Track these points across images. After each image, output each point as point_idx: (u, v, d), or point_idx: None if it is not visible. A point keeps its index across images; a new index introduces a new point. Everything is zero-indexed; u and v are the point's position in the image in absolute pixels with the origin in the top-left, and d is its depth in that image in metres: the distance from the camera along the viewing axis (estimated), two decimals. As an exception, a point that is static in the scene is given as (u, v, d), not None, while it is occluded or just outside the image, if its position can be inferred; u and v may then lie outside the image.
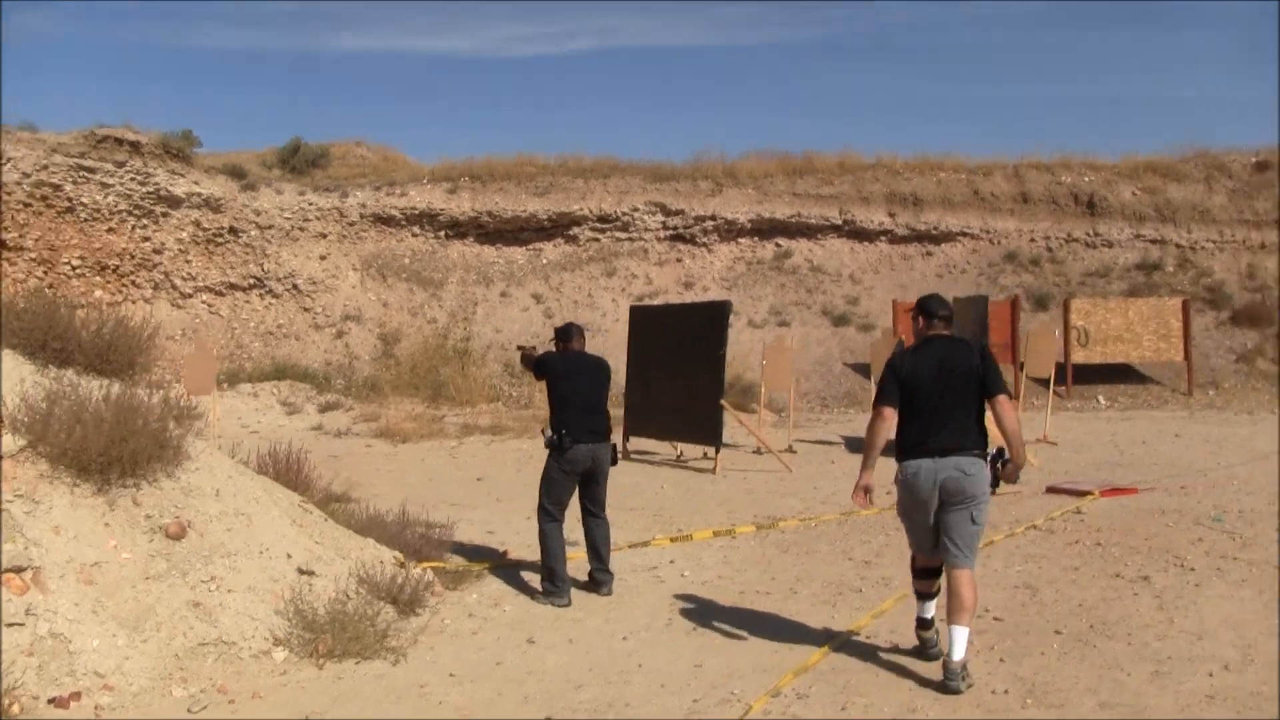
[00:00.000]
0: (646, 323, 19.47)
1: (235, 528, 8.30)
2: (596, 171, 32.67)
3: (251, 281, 30.48)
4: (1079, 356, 26.85)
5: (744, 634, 8.21)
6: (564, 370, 9.73)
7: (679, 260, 31.50)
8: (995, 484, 7.27)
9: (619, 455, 10.11)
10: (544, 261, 31.57)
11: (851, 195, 32.01)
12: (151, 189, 29.54)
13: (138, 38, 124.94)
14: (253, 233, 30.53)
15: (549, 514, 9.57)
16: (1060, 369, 26.66)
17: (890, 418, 7.29)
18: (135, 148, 29.45)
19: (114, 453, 7.82)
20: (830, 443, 20.34)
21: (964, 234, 31.68)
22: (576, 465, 9.52)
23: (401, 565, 9.26)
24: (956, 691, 6.80)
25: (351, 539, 9.40)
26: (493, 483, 16.26)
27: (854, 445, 19.62)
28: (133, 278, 29.82)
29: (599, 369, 9.95)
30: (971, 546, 7.15)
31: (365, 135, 41.45)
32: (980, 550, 9.42)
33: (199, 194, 30.02)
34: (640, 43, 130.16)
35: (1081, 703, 6.54)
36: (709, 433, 17.24)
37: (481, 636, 8.30)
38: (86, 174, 28.79)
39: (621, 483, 16.07)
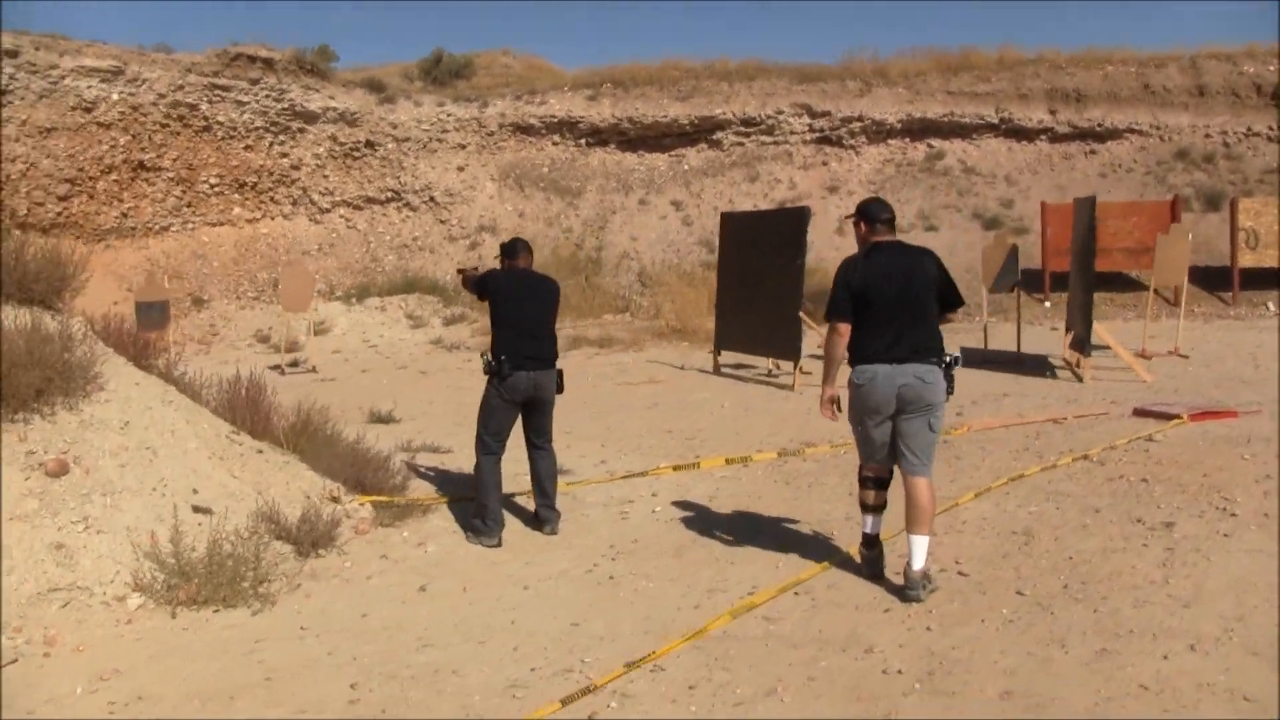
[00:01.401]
0: (735, 230, 18.42)
1: (132, 463, 7.60)
2: (742, 74, 31.50)
3: (389, 195, 30.13)
4: (1248, 260, 24.90)
5: (666, 584, 7.37)
6: (506, 289, 8.82)
7: (824, 164, 30.22)
8: (950, 390, 7.03)
9: (563, 383, 9.15)
10: (685, 168, 30.57)
11: (1009, 92, 30.27)
12: (286, 105, 29.36)
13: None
14: (390, 146, 30.13)
15: (485, 445, 8.69)
16: (1227, 273, 24.98)
17: (845, 332, 6.99)
18: (269, 65, 29.26)
19: (5, 386, 7.23)
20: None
21: (1131, 130, 29.68)
22: (516, 393, 8.65)
23: (334, 499, 8.49)
24: (916, 599, 6.72)
25: (283, 471, 8.64)
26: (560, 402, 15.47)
27: (973, 358, 18.37)
28: (271, 194, 29.71)
29: (546, 288, 9.03)
30: (929, 454, 6.99)
31: (511, 44, 40.84)
32: (1003, 486, 9.16)
33: (334, 109, 29.74)
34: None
35: (982, 690, 5.43)
36: (788, 346, 16.24)
37: (375, 581, 7.54)
38: (221, 93, 28.68)
39: (682, 401, 15.26)
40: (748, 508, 9.14)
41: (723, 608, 6.73)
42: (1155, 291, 20.12)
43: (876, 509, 7.18)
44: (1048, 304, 24.09)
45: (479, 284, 8.99)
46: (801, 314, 16.09)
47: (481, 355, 8.83)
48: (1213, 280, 25.39)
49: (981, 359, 17.96)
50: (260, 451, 8.77)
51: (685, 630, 6.35)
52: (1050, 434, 11.43)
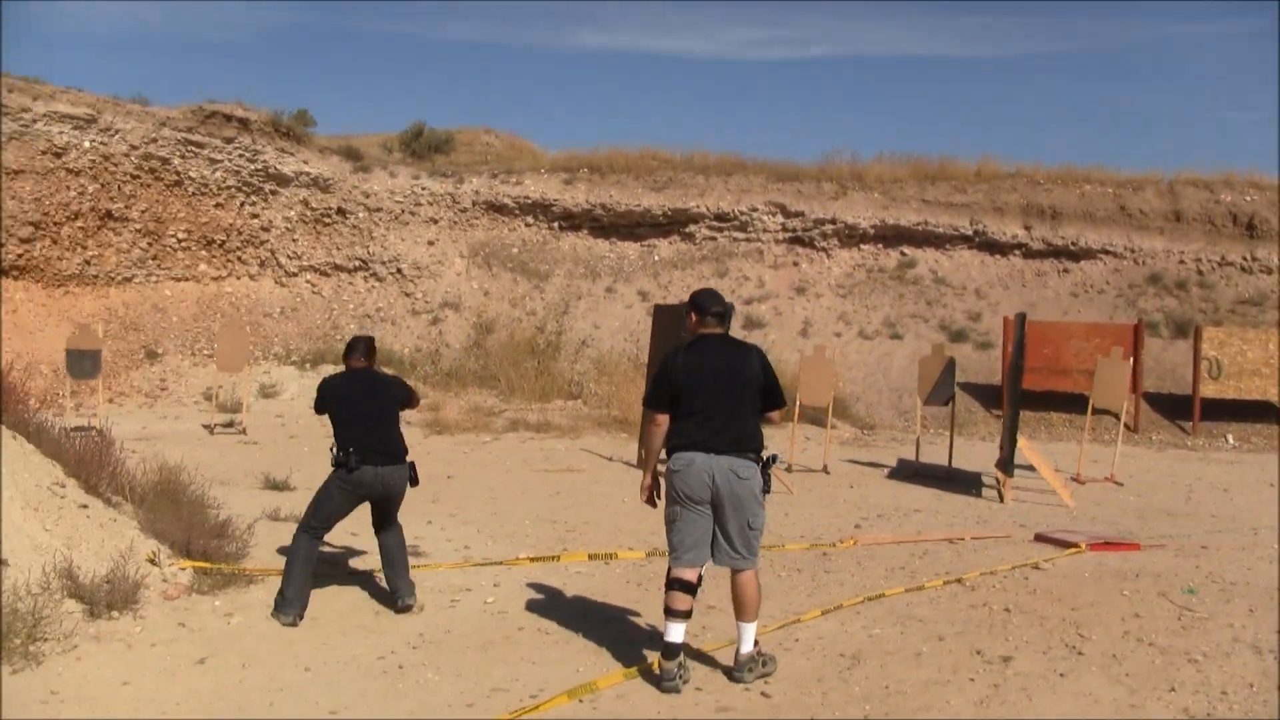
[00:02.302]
0: (664, 323, 18.14)
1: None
2: (719, 169, 31.39)
3: (356, 263, 29.93)
4: (1209, 390, 24.57)
5: (452, 679, 7.09)
6: (340, 392, 8.77)
7: (795, 264, 29.99)
8: (767, 488, 7.10)
9: (417, 475, 8.93)
10: (655, 258, 30.38)
11: (985, 205, 30.11)
12: (260, 166, 29.23)
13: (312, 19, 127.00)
14: (361, 214, 29.97)
15: (308, 526, 8.43)
16: (1188, 402, 24.69)
17: (662, 423, 7.09)
18: (244, 124, 29.17)
19: None
20: (881, 465, 18.76)
21: (1106, 251, 29.48)
22: (361, 487, 8.46)
23: (152, 561, 8.15)
24: (741, 681, 6.89)
25: (104, 529, 8.30)
26: (459, 482, 15.20)
27: (904, 471, 18.08)
28: (239, 254, 29.50)
29: (383, 384, 8.97)
30: (750, 547, 7.00)
31: (496, 123, 41.03)
32: (856, 605, 8.83)
33: (308, 173, 29.62)
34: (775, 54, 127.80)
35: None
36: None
37: (158, 650, 7.23)
38: (195, 149, 28.54)
39: (588, 492, 14.93)
40: (585, 607, 8.80)
41: (499, 710, 6.46)
42: (1115, 415, 19.73)
43: (681, 615, 6.94)
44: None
45: (317, 401, 8.92)
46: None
47: (330, 449, 8.56)
48: (1176, 409, 25.10)
49: (911, 472, 17.70)
50: (84, 506, 8.45)
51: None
52: (938, 554, 11.10)
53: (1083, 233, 29.56)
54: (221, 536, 9.13)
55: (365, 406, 8.63)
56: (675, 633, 6.89)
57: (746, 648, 6.97)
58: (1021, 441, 15.39)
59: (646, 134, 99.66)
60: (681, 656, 6.95)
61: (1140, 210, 30.01)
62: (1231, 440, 23.77)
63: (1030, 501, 15.02)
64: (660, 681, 6.89)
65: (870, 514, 13.65)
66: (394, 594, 8.55)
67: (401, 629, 8.03)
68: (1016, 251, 29.80)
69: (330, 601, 8.47)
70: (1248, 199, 29.88)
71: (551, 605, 8.80)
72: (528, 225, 31.01)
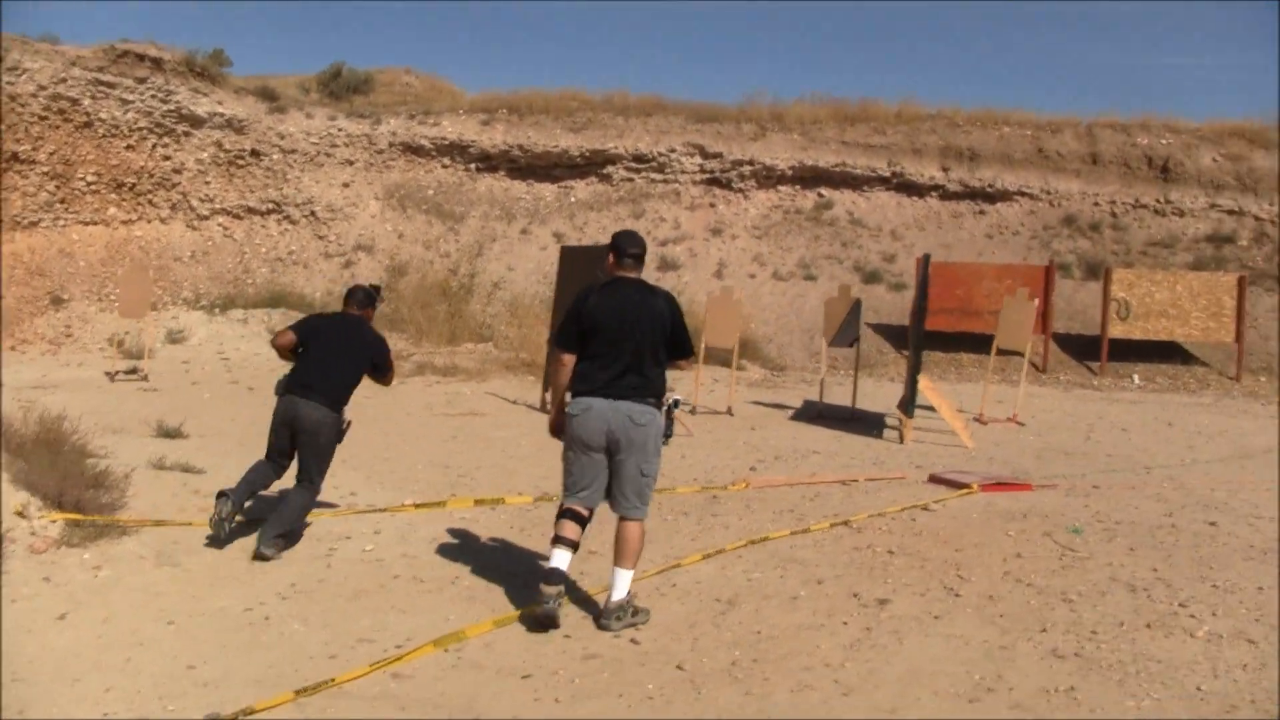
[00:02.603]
0: (570, 264, 17.97)
1: None
2: (639, 109, 31.25)
3: (269, 206, 29.55)
4: (1117, 330, 24.82)
5: (318, 629, 6.91)
6: (312, 328, 9.10)
7: (712, 205, 29.91)
8: (669, 434, 7.19)
9: (344, 430, 9.07)
10: (572, 200, 30.19)
11: (904, 147, 30.12)
12: (173, 107, 28.74)
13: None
14: (275, 156, 29.59)
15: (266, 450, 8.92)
16: (1095, 342, 24.89)
17: (569, 362, 7.11)
18: (157, 64, 28.66)
19: None
20: (786, 407, 18.74)
21: (1022, 193, 29.62)
22: (279, 416, 8.82)
23: (20, 514, 7.93)
24: (608, 629, 6.79)
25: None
26: (356, 427, 14.93)
27: (808, 412, 18.06)
28: (150, 197, 29.00)
29: (356, 335, 9.08)
30: (642, 496, 6.97)
31: (417, 63, 40.58)
32: (739, 549, 8.74)
33: (222, 114, 29.18)
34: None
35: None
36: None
37: (18, 605, 6.99)
38: (106, 89, 27.98)
39: (486, 436, 14.77)
40: (466, 553, 8.65)
41: (362, 660, 6.28)
42: (1021, 355, 19.77)
43: (567, 543, 6.92)
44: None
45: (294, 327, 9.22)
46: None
47: None
48: (1085, 349, 25.29)
49: (815, 414, 17.70)
50: (-47, 464, 8.21)
51: (303, 682, 5.89)
52: (830, 497, 11.04)
53: (1000, 175, 29.68)
54: (98, 487, 8.87)
55: (326, 347, 8.86)
56: (559, 559, 6.85)
57: (618, 595, 6.87)
58: (923, 382, 15.38)
59: (570, 75, 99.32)
60: (561, 586, 6.87)
61: (1058, 153, 30.14)
62: (1137, 380, 24.01)
63: (930, 443, 15.05)
64: (538, 606, 6.82)
65: (768, 456, 13.59)
66: (257, 541, 8.44)
67: (272, 579, 7.84)
68: (934, 193, 29.89)
69: (205, 552, 8.28)
70: (1164, 142, 30.09)
71: (430, 553, 8.64)
72: (444, 167, 30.73)
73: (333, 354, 8.84)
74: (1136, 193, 29.42)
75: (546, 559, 7.00)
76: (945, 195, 29.82)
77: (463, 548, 8.81)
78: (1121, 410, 19.70)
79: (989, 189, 29.57)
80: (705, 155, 30.04)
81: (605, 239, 26.81)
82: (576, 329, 7.02)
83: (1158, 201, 29.24)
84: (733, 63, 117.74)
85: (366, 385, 8.99)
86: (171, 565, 7.94)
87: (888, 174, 29.83)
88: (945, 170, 29.81)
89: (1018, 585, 7.91)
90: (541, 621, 6.78)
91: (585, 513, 7.04)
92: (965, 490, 11.32)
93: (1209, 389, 23.53)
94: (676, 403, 7.32)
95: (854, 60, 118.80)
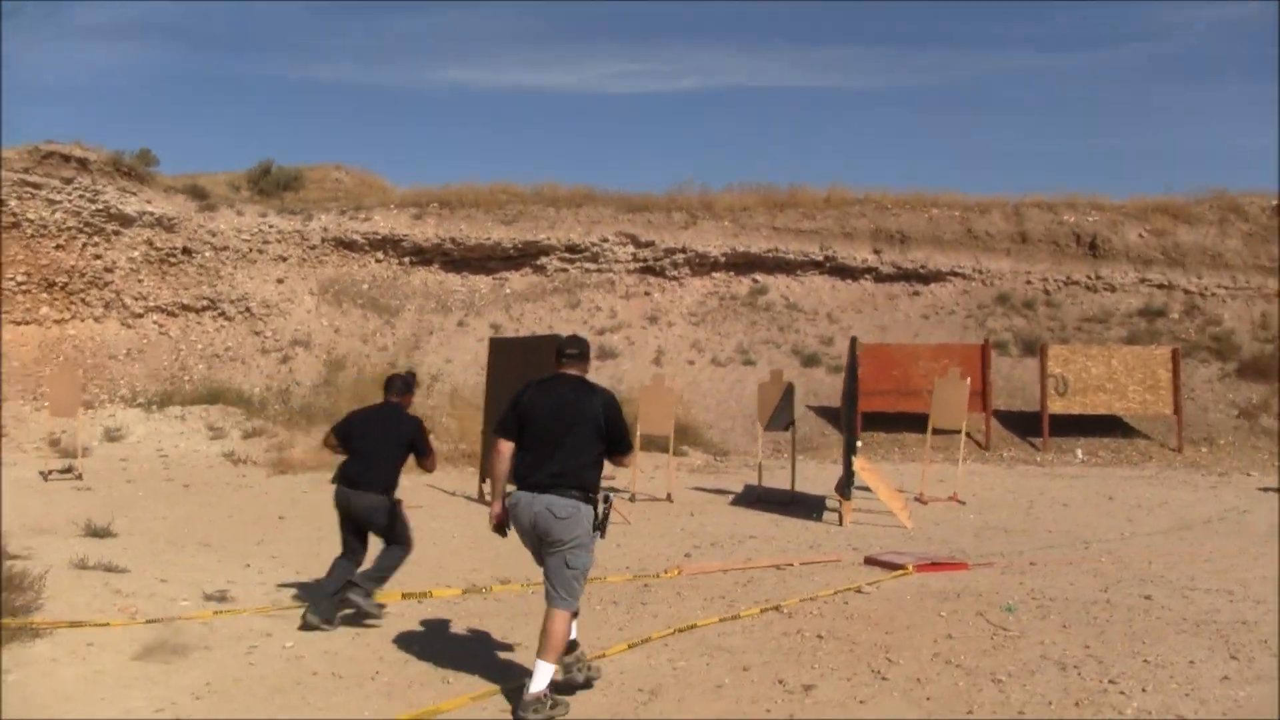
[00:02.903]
0: (500, 356, 17.96)
1: None
2: (569, 201, 31.35)
3: (204, 303, 29.32)
4: (1057, 406, 24.94)
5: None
6: (355, 420, 9.74)
7: (647, 293, 29.97)
8: (601, 529, 7.19)
9: (392, 513, 9.50)
10: (507, 291, 30.17)
11: (835, 231, 30.33)
12: (101, 206, 28.53)
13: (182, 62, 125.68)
14: (207, 254, 29.43)
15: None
16: (1036, 418, 25.00)
17: (505, 451, 7.28)
18: (83, 164, 28.51)
19: None
20: (727, 492, 18.69)
21: (954, 274, 29.86)
22: (338, 506, 9.48)
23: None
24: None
25: None
26: (291, 523, 14.86)
27: (748, 497, 18.01)
28: (83, 295, 28.73)
29: (394, 421, 9.66)
30: (568, 588, 7.03)
31: (346, 159, 40.72)
32: (666, 638, 8.67)
33: (151, 213, 29.01)
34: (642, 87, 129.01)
35: None
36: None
37: None
38: (32, 189, 27.77)
39: (421, 529, 14.53)
40: (389, 648, 8.50)
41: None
42: (958, 433, 19.82)
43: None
44: (860, 443, 23.89)
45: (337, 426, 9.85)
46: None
47: None
48: (1027, 425, 25.41)
49: (755, 498, 17.68)
50: None
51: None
52: (763, 581, 11.00)
53: (931, 255, 29.91)
54: (13, 589, 8.73)
55: (367, 437, 9.48)
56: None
57: (536, 687, 6.79)
58: (858, 463, 15.38)
59: (503, 169, 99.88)
60: (577, 651, 7.38)
61: (987, 232, 30.44)
62: (1080, 455, 24.11)
63: (869, 524, 15.04)
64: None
65: (704, 542, 13.53)
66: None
67: (189, 679, 7.63)
68: (867, 275, 30.05)
69: (121, 652, 8.10)
70: (1090, 219, 30.49)
71: (352, 648, 8.50)
72: (378, 261, 30.67)
73: (373, 444, 9.42)
74: (1067, 270, 29.74)
75: (469, 653, 7.21)
76: (879, 277, 30.00)
77: (386, 642, 8.66)
78: (1063, 485, 19.78)
79: (921, 270, 29.79)
80: (638, 244, 30.12)
81: (542, 329, 26.96)
82: (514, 419, 7.25)
83: (1088, 278, 29.57)
84: (658, 153, 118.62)
85: (312, 481, 8.84)
86: (83, 665, 7.76)
87: (820, 258, 29.99)
88: (877, 252, 30.01)
89: (947, 667, 7.86)
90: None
91: None
92: (900, 572, 11.31)
93: (1151, 461, 23.65)
94: (608, 497, 7.28)
95: (780, 147, 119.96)
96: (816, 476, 19.58)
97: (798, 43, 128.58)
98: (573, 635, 7.26)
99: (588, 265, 30.32)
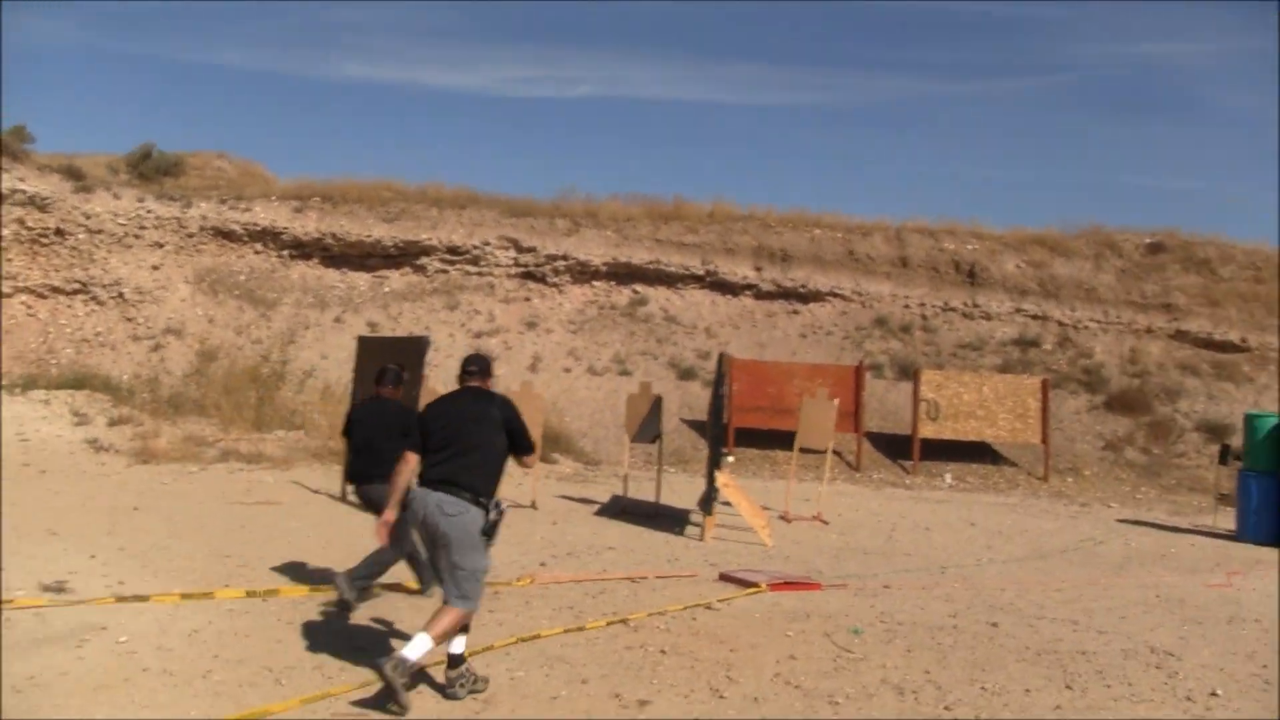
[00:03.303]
0: (366, 355, 17.74)
1: None
2: (453, 201, 31.18)
3: (76, 286, 28.77)
4: (928, 430, 25.12)
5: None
6: (352, 420, 10.18)
7: (526, 299, 29.83)
8: (490, 534, 7.42)
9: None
10: (386, 290, 29.90)
11: (717, 246, 30.41)
12: (-30, 183, 27.90)
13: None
14: (81, 236, 28.87)
15: None
16: (908, 441, 25.18)
17: (410, 460, 7.64)
18: (-48, 141, 27.87)
19: None
20: (593, 501, 18.60)
21: (834, 294, 30.06)
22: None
23: None
24: (383, 676, 6.87)
25: None
26: (145, 514, 14.53)
27: (613, 508, 17.93)
28: (-52, 274, 28.09)
29: (383, 413, 9.95)
30: (460, 586, 7.28)
31: (231, 147, 40.20)
32: (508, 647, 8.66)
33: (24, 191, 28.40)
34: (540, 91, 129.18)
35: None
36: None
37: None
38: (-101, 164, 27.14)
39: (275, 527, 14.35)
40: (225, 646, 8.24)
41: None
42: (827, 453, 19.89)
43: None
44: (730, 458, 23.94)
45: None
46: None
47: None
48: (898, 448, 25.61)
49: (620, 509, 17.58)
50: None
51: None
52: (614, 593, 10.92)
53: (812, 275, 30.09)
54: None
55: (365, 434, 10.13)
56: (455, 643, 7.44)
57: (410, 654, 7.00)
58: (721, 479, 15.33)
59: (394, 167, 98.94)
60: (463, 667, 7.46)
61: (868, 255, 30.69)
62: (949, 480, 24.33)
63: (731, 540, 15.00)
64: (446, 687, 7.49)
65: (562, 552, 13.41)
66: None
67: (13, 671, 7.44)
68: (748, 292, 30.14)
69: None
70: (970, 248, 30.86)
71: (188, 644, 8.28)
72: (257, 253, 30.27)
73: (374, 438, 9.87)
74: (945, 296, 30.08)
75: (309, 654, 7.30)
76: (759, 294, 30.10)
77: (223, 640, 8.46)
78: (927, 510, 19.92)
79: (802, 289, 29.95)
80: (520, 249, 30.00)
81: (419, 330, 26.74)
82: (419, 430, 7.68)
83: (965, 305, 29.93)
84: (547, 159, 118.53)
85: (174, 472, 8.58)
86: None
87: (701, 272, 30.05)
88: (758, 270, 30.12)
89: (786, 687, 7.86)
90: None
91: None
92: (753, 589, 11.28)
93: (1018, 489, 23.92)
94: (499, 505, 7.50)
95: (667, 160, 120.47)
96: (685, 490, 19.55)
97: (696, 55, 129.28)
98: (460, 650, 7.44)
99: (468, 268, 30.14)
